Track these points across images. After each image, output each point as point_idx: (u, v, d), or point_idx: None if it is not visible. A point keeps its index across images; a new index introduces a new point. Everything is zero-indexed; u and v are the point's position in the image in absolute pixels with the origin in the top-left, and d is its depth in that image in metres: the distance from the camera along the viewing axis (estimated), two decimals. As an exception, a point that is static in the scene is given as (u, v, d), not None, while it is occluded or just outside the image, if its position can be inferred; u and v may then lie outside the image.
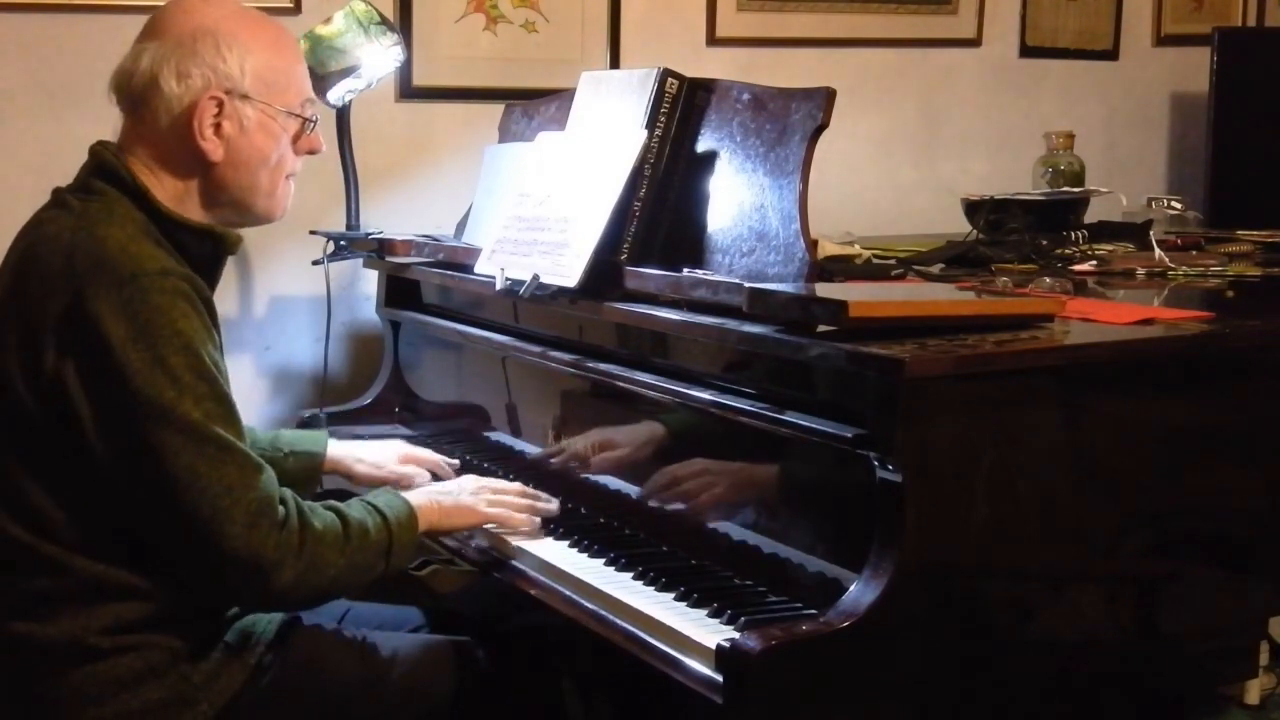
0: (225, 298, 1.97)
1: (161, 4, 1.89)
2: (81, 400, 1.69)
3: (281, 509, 1.75)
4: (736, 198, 2.10)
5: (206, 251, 1.86)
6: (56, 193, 1.87)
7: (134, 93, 1.84)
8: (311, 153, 1.96)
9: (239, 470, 1.72)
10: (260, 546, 1.71)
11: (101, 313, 1.68)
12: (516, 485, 2.13)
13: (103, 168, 1.84)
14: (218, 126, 1.83)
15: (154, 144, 1.84)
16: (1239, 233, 3.11)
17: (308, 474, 2.22)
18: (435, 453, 2.35)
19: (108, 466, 1.71)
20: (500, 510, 2.06)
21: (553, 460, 2.27)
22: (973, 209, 2.94)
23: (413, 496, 1.98)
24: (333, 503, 1.87)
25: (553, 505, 2.10)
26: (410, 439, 2.55)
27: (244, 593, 1.79)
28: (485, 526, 2.09)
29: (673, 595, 1.81)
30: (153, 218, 1.81)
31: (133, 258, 1.72)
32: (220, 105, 1.82)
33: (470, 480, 2.12)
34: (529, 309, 2.34)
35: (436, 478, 2.28)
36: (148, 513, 1.72)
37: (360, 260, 2.90)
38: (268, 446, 2.17)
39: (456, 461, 2.36)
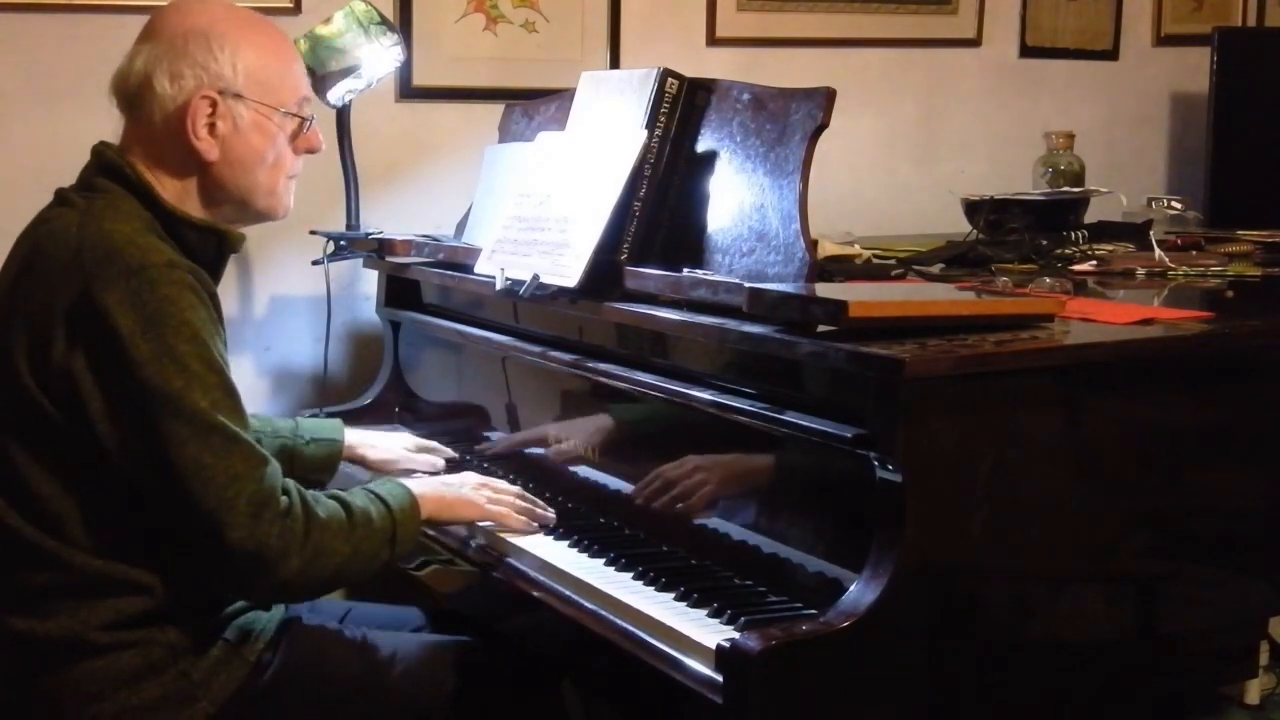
0: (226, 298, 1.97)
1: (161, 3, 1.90)
2: (90, 391, 1.70)
3: (285, 499, 1.75)
4: (736, 198, 2.10)
5: (210, 249, 1.88)
6: (60, 192, 1.88)
7: (129, 94, 1.85)
8: (310, 151, 1.97)
9: (244, 462, 1.72)
10: (264, 536, 1.71)
11: (110, 304, 1.69)
12: (516, 489, 2.14)
13: (106, 166, 1.85)
14: (212, 126, 1.84)
15: (152, 144, 1.85)
16: (1239, 233, 3.11)
17: (328, 460, 2.28)
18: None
19: (115, 457, 1.71)
20: (500, 509, 2.07)
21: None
22: (973, 209, 2.93)
23: (415, 485, 1.99)
24: (336, 492, 1.88)
25: (550, 514, 2.11)
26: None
27: (250, 583, 1.78)
28: (484, 525, 2.09)
29: (673, 595, 1.81)
30: (156, 215, 1.82)
31: (140, 250, 1.73)
32: (214, 105, 1.83)
33: (472, 476, 2.14)
34: (529, 309, 2.34)
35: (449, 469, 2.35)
36: (153, 504, 1.73)
37: (360, 260, 2.90)
38: (289, 434, 2.22)
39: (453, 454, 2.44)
